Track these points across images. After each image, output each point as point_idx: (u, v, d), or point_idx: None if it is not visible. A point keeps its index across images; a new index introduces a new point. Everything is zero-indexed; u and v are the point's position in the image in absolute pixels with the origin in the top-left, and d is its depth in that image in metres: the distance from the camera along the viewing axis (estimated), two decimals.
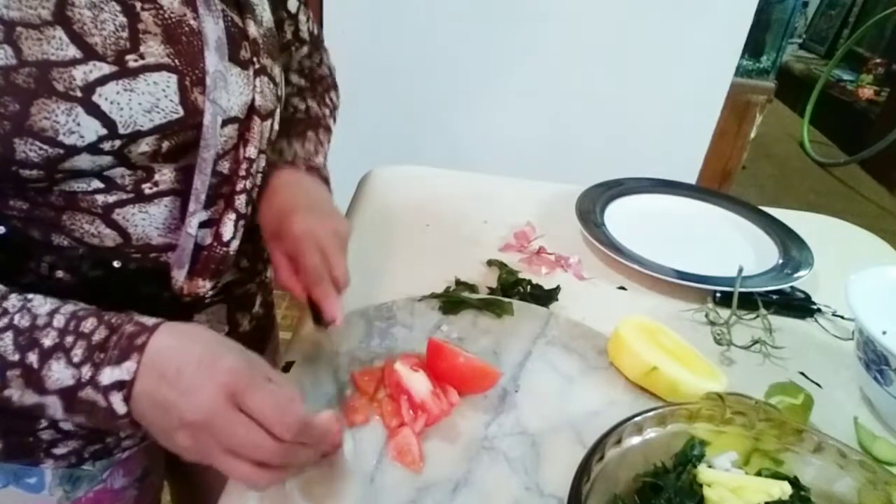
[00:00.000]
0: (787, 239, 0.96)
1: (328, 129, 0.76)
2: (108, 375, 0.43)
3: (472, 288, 0.79)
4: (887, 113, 3.62)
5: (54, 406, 0.44)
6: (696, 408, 0.52)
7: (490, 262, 0.86)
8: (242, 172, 0.57)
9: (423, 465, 0.55)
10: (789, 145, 3.88)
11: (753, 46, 1.77)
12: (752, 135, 1.85)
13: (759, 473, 0.51)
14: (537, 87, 1.68)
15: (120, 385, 0.43)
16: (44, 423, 0.59)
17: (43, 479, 0.62)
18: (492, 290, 0.79)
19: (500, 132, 1.75)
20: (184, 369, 0.43)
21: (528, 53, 1.64)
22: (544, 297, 0.79)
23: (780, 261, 0.90)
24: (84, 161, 0.47)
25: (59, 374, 0.43)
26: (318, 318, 0.61)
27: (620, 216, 0.99)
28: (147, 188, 0.52)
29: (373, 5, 1.61)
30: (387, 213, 0.97)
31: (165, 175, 0.53)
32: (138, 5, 0.47)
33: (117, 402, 0.43)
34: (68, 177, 0.48)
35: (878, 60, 4.07)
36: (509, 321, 0.72)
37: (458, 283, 0.80)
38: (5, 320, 0.44)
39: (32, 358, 0.43)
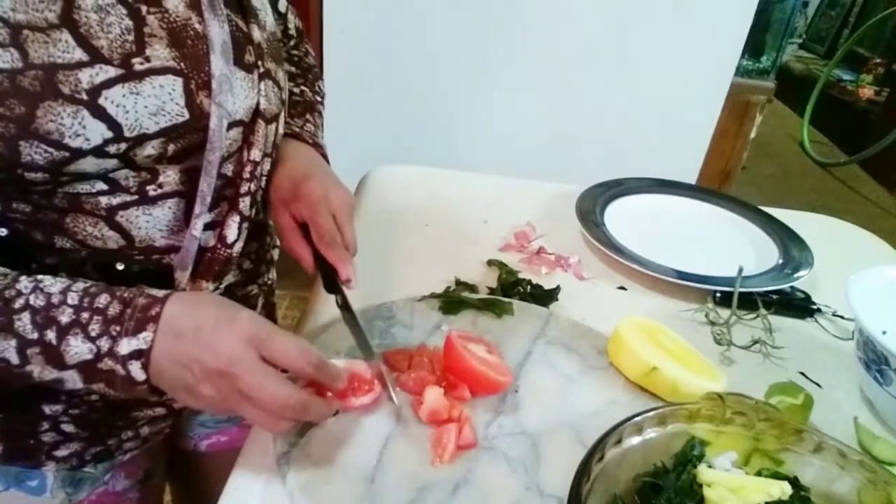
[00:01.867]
0: (787, 239, 0.96)
1: (321, 115, 0.78)
2: (126, 346, 0.45)
3: (472, 288, 0.79)
4: (887, 113, 3.62)
5: (73, 379, 0.46)
6: (696, 408, 0.52)
7: (490, 262, 0.86)
8: (247, 175, 0.57)
9: (441, 465, 0.54)
10: (789, 145, 3.88)
11: (753, 46, 1.77)
12: (752, 135, 1.85)
13: (759, 473, 0.51)
14: (537, 86, 1.68)
15: (138, 354, 0.45)
16: (45, 426, 0.59)
17: (44, 482, 0.62)
18: (492, 290, 0.79)
19: (500, 132, 1.75)
20: (202, 326, 0.46)
21: (528, 53, 1.64)
22: (544, 297, 0.79)
23: (780, 261, 0.91)
24: (89, 164, 0.47)
25: (78, 348, 0.45)
26: (329, 283, 0.62)
27: (620, 216, 0.99)
28: (151, 190, 0.52)
29: (373, 5, 1.61)
30: (387, 213, 0.97)
31: (170, 177, 0.53)
32: (144, 9, 0.47)
33: (136, 369, 0.46)
34: (72, 179, 0.48)
35: (878, 60, 4.07)
36: (509, 321, 0.72)
37: (458, 283, 0.80)
38: (21, 301, 0.45)
39: (51, 336, 0.45)
